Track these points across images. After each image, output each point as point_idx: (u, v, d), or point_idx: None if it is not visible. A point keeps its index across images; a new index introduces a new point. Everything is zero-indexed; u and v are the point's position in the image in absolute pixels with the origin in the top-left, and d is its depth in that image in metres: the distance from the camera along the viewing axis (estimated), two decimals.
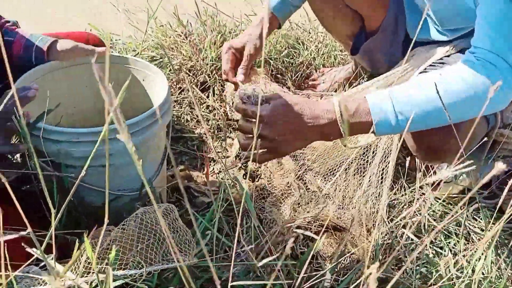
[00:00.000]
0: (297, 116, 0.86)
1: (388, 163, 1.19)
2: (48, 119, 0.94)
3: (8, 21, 1.10)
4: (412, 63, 1.20)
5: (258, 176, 1.41)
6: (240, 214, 0.50)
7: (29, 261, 0.57)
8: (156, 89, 1.12)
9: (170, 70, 1.67)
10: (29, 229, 0.46)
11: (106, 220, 0.49)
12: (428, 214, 1.27)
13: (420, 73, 1.11)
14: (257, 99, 0.87)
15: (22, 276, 0.55)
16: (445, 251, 1.23)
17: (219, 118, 1.58)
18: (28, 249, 0.54)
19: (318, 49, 1.75)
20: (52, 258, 0.46)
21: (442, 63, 1.09)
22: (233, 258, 0.50)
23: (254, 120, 0.88)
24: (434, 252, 1.23)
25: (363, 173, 1.23)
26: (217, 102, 1.61)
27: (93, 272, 0.55)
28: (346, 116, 0.85)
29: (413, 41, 0.72)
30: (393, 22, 1.24)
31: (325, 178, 1.33)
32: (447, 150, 0.97)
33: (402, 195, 1.31)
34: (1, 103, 0.87)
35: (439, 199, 1.29)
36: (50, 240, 0.52)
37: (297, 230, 1.15)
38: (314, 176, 1.34)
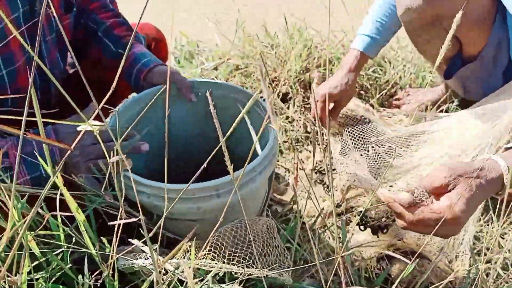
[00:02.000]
0: (473, 201, 0.72)
1: None
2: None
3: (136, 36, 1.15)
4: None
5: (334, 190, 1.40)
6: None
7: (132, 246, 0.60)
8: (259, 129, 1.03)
9: (253, 79, 1.71)
10: (141, 217, 0.49)
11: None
12: None
13: None
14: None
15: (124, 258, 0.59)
16: None
17: (298, 130, 1.58)
18: (132, 240, 0.57)
19: (406, 69, 1.71)
20: (156, 249, 0.49)
21: None
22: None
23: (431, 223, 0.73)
24: None
25: None
26: (297, 114, 1.62)
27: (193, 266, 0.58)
28: None
29: None
30: (495, 50, 1.17)
31: None
32: None
33: (490, 225, 1.23)
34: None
35: None
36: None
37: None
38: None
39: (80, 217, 0.59)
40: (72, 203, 0.59)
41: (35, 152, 0.75)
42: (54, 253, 0.66)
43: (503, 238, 1.22)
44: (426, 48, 1.28)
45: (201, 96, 1.10)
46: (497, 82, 1.18)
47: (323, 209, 1.30)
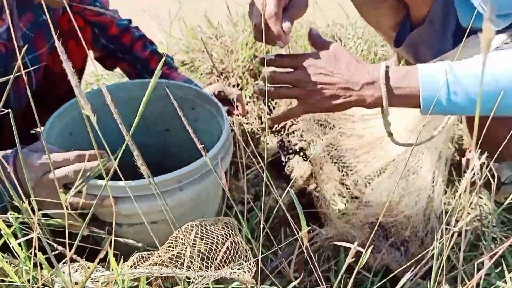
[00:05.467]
0: (339, 70, 0.80)
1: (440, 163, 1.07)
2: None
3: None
4: (465, 52, 1.08)
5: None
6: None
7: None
8: (210, 123, 0.96)
9: (201, 74, 1.62)
10: None
11: None
12: (488, 221, 1.14)
13: None
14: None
15: None
16: (507, 261, 1.10)
17: (253, 122, 1.50)
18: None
19: (357, 45, 1.65)
20: None
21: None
22: None
23: (291, 70, 0.82)
24: (496, 262, 1.10)
25: (412, 174, 1.12)
26: (250, 105, 1.54)
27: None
28: (391, 80, 0.78)
29: (467, 30, 0.62)
30: (442, 11, 1.12)
31: (369, 182, 1.22)
32: None
33: (456, 199, 1.18)
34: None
35: (500, 203, 1.15)
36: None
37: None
38: (357, 180, 1.23)
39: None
40: None
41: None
42: None
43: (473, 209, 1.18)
44: (373, 16, 1.22)
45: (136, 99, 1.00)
46: (447, 46, 1.13)
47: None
